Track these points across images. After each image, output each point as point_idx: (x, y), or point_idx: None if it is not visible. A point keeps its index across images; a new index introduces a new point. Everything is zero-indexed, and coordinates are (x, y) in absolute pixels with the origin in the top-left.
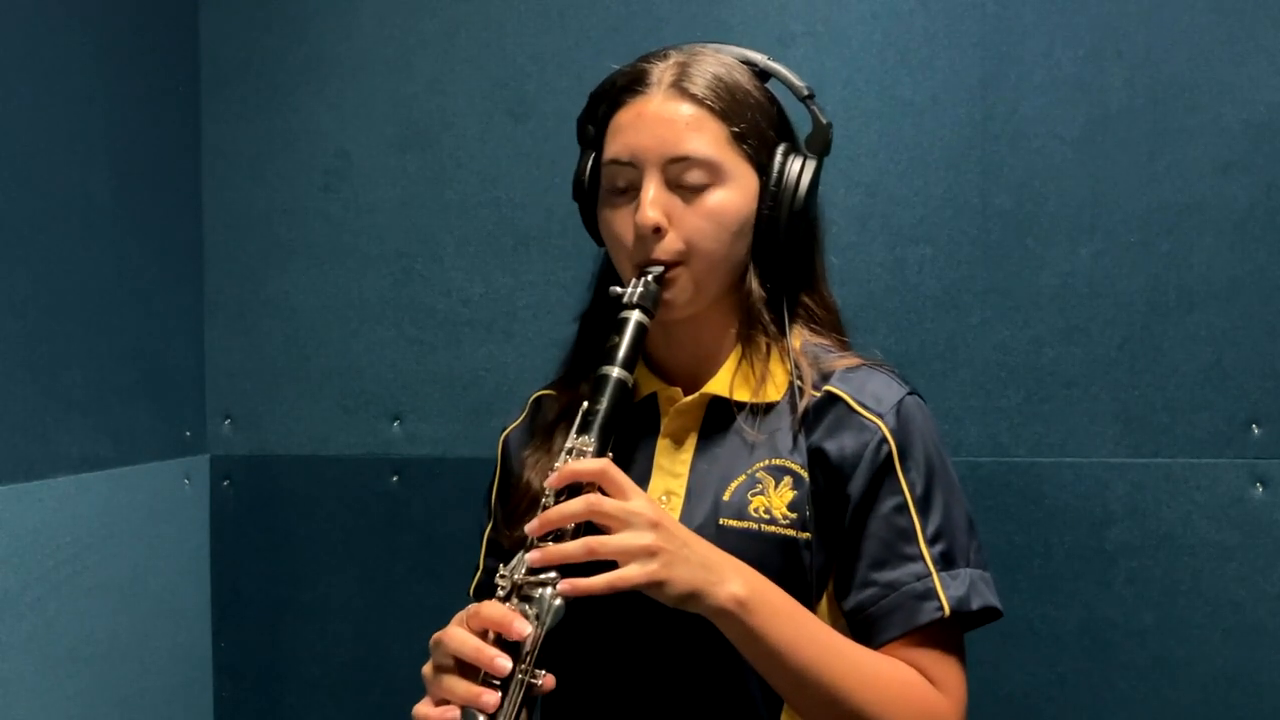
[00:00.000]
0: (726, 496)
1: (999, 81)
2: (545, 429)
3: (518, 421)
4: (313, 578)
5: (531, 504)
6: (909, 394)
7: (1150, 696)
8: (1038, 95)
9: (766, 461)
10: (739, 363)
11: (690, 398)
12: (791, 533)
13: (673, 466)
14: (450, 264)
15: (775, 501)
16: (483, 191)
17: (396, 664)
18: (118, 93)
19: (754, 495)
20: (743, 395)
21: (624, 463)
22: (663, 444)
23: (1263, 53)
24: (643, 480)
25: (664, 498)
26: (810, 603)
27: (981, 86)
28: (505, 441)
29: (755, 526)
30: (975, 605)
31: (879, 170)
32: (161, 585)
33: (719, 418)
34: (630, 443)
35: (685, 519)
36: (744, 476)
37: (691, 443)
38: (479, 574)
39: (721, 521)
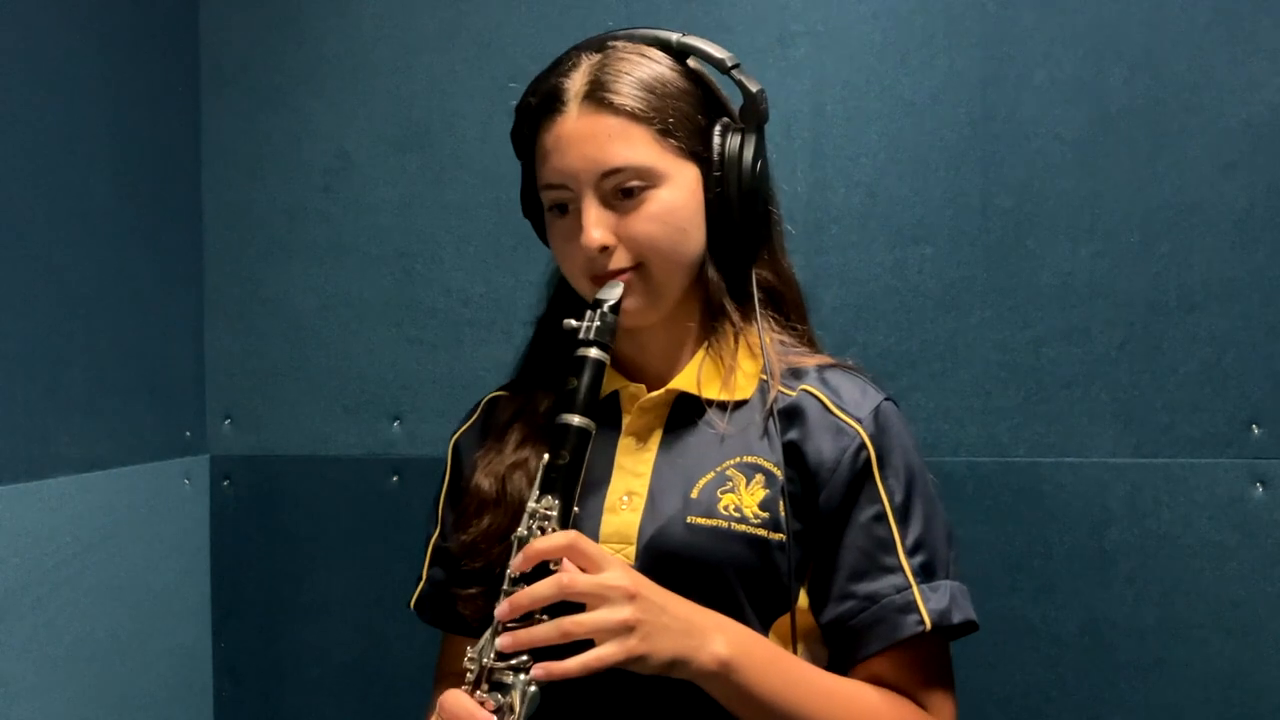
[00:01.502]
0: (694, 494)
1: (999, 81)
2: (498, 431)
3: (468, 424)
4: (313, 578)
5: (480, 507)
6: (885, 399)
7: (1150, 696)
8: (1038, 95)
9: (737, 459)
10: (705, 357)
11: (655, 394)
12: (763, 533)
13: (635, 466)
14: (450, 264)
15: (746, 499)
16: (483, 191)
17: (396, 664)
18: (118, 93)
19: (724, 493)
20: (711, 391)
21: None
22: (624, 443)
23: (1263, 53)
24: (603, 482)
25: (625, 498)
26: (786, 604)
27: (981, 86)
28: (456, 446)
29: (725, 525)
30: (956, 619)
31: (879, 170)
32: (161, 585)
33: (685, 414)
34: None
35: (648, 519)
36: (713, 474)
37: (655, 441)
38: (421, 585)
39: (689, 519)
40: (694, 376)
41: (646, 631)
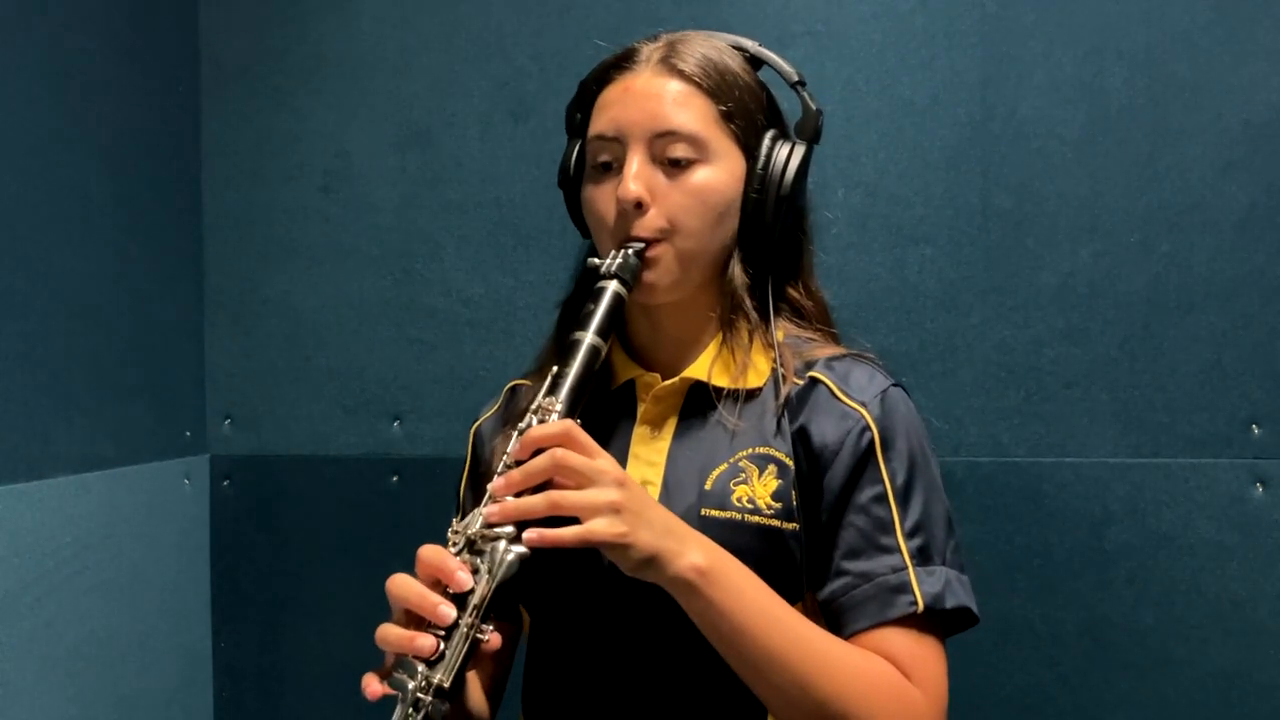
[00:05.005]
0: (708, 485)
1: (999, 81)
2: (518, 415)
3: (491, 411)
4: (313, 578)
5: None
6: (893, 385)
7: (1150, 696)
8: (1038, 95)
9: (750, 450)
10: (719, 350)
11: (670, 382)
12: (776, 523)
13: (649, 455)
14: (450, 264)
15: (759, 490)
16: (483, 191)
17: None
18: (118, 92)
19: (737, 484)
20: (722, 382)
21: None
22: (639, 431)
23: (1263, 53)
24: None
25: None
26: (800, 593)
27: (981, 86)
28: (477, 432)
29: (739, 516)
30: (949, 604)
31: (879, 170)
32: (161, 585)
33: (699, 403)
34: (605, 430)
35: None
36: (726, 465)
37: (670, 429)
38: None
39: (704, 512)
40: (707, 367)
41: (633, 520)
